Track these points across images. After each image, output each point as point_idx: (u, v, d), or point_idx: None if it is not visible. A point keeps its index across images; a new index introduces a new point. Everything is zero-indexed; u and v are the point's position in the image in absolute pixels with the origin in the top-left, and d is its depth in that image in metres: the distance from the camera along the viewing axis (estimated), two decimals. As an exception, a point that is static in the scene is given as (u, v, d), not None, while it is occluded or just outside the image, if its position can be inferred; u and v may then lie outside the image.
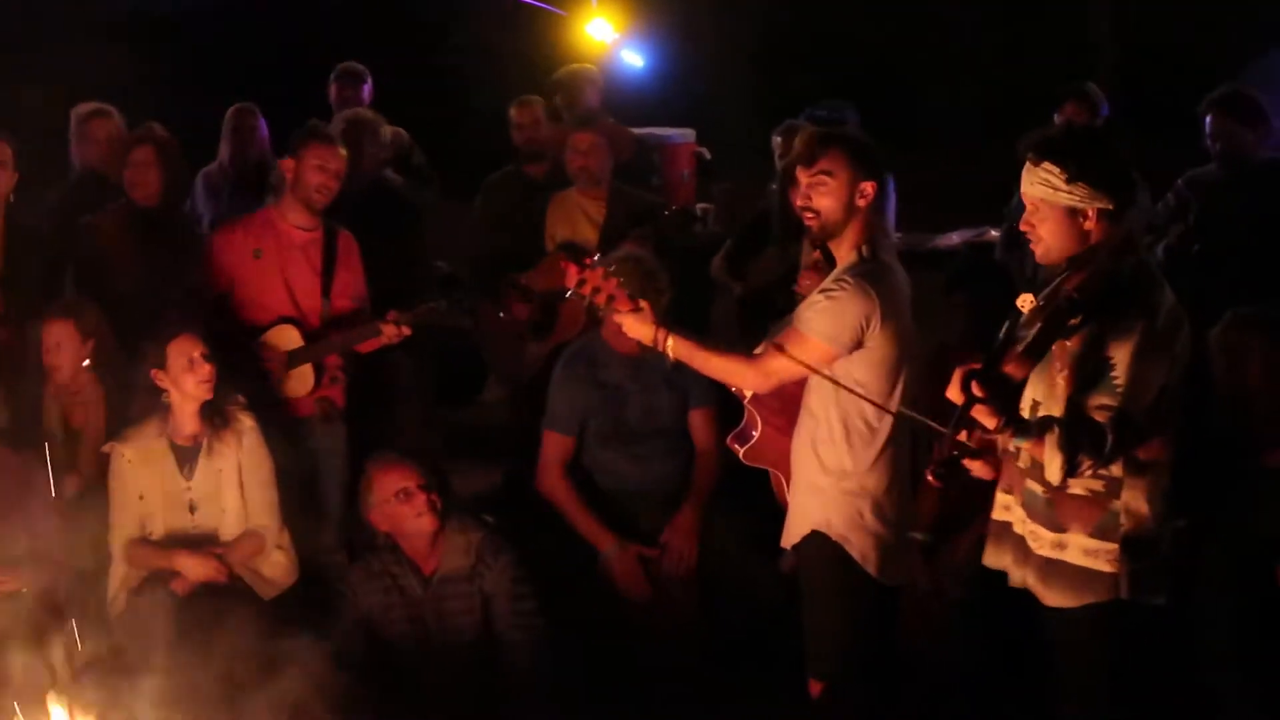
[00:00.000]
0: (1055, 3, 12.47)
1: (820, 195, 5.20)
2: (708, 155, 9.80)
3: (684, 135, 9.85)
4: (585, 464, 6.82)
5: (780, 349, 5.19)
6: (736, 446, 5.75)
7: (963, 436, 4.45)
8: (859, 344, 5.17)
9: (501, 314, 8.12)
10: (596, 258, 5.38)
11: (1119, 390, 4.52)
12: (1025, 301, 4.57)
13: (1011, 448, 4.73)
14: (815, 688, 5.43)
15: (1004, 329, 4.53)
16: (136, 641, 6.07)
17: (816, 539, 5.32)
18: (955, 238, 8.50)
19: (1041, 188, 4.63)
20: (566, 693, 6.18)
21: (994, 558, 4.95)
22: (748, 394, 5.58)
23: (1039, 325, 4.51)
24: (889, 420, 5.20)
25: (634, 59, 9.95)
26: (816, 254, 5.98)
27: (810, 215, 5.24)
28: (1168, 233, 7.91)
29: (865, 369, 5.19)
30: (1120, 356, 4.52)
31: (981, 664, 6.01)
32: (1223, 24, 12.01)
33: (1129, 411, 4.54)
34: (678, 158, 9.54)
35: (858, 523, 5.28)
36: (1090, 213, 4.61)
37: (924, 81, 12.35)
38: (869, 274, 5.18)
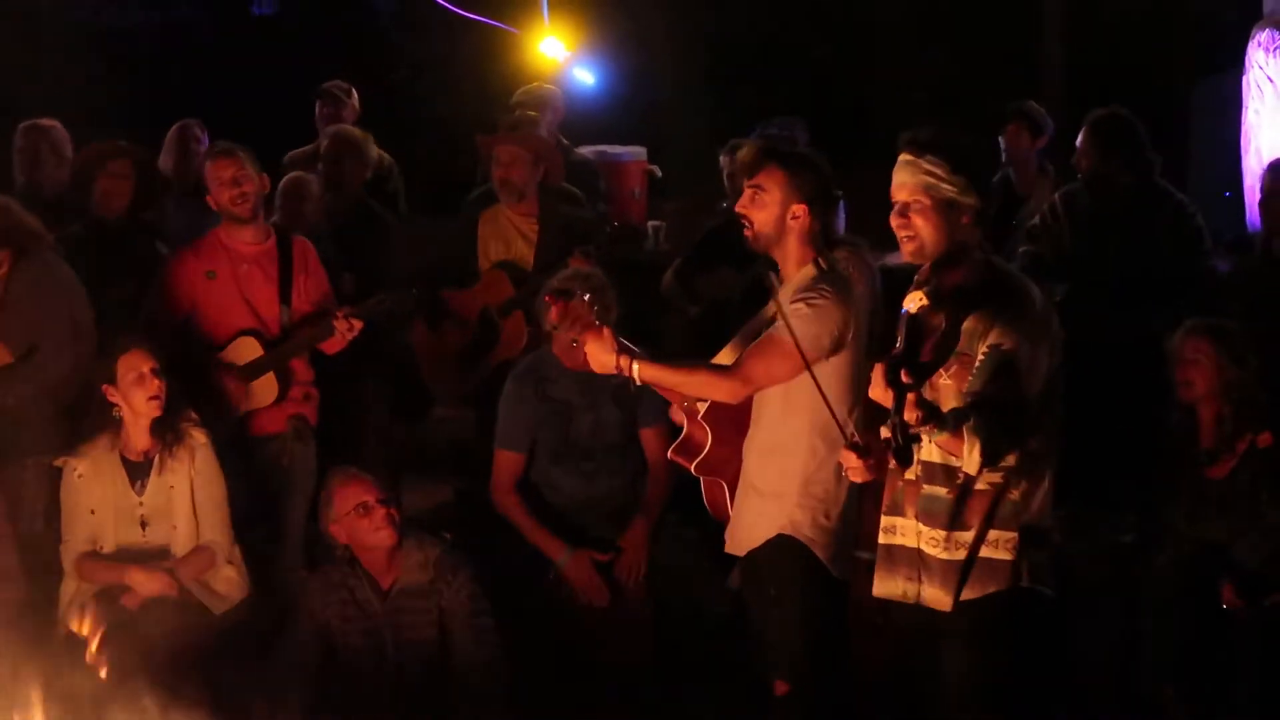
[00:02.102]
0: (1007, 20, 12.55)
1: (753, 208, 5.37)
2: (658, 173, 9.85)
3: (635, 153, 9.90)
4: (534, 479, 6.83)
5: (760, 356, 5.28)
6: (682, 460, 5.79)
7: (909, 418, 4.51)
8: (838, 350, 5.29)
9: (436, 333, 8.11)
10: (588, 295, 5.42)
11: (1015, 378, 4.60)
12: (914, 300, 4.64)
13: (932, 442, 4.74)
14: (781, 688, 5.49)
15: (902, 327, 4.59)
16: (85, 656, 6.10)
17: (781, 542, 5.40)
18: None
19: (926, 178, 4.70)
20: (522, 708, 6.23)
21: (883, 586, 4.98)
22: (700, 408, 5.62)
23: (943, 318, 4.62)
24: (852, 425, 5.27)
25: (585, 77, 9.98)
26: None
27: (746, 224, 5.40)
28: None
29: (833, 376, 5.29)
30: (1011, 344, 4.61)
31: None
32: (1175, 45, 12.15)
33: (1026, 397, 4.63)
34: (628, 176, 9.59)
35: (823, 525, 5.40)
36: (965, 206, 4.70)
37: (874, 98, 12.42)
38: (834, 282, 5.34)
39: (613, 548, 6.73)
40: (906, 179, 4.75)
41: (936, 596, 4.83)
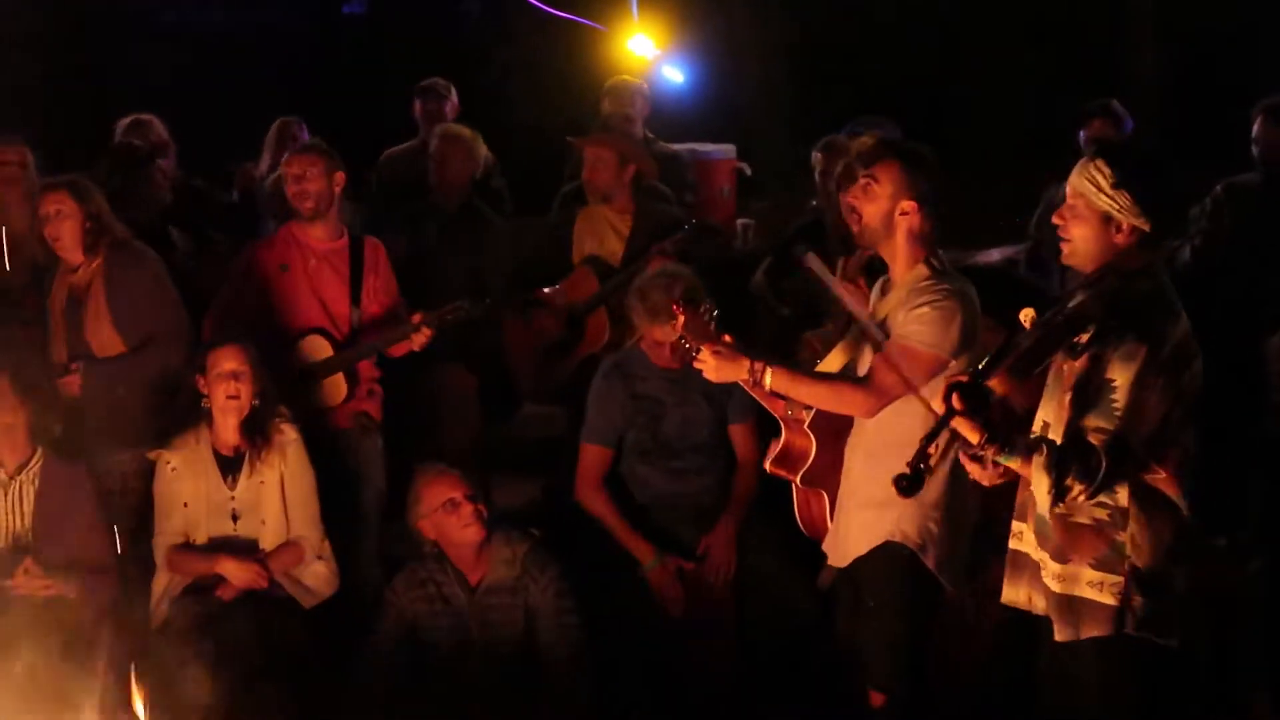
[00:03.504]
0: (1096, 21, 12.44)
1: (864, 199, 5.29)
2: (748, 171, 9.81)
3: (724, 151, 9.87)
4: (622, 476, 6.84)
5: (889, 366, 5.20)
6: (783, 471, 5.73)
7: (933, 450, 4.44)
8: (968, 348, 5.21)
9: (526, 326, 8.13)
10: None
11: (1117, 414, 4.47)
12: (1025, 316, 4.54)
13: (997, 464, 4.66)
14: (877, 699, 5.44)
15: (1000, 344, 4.49)
16: (178, 649, 6.16)
17: (890, 550, 5.33)
18: (995, 254, 8.50)
19: (1086, 184, 4.59)
20: (605, 706, 6.23)
21: (1011, 591, 4.89)
22: (806, 417, 5.56)
23: (1029, 343, 4.46)
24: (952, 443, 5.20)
25: (675, 75, 9.95)
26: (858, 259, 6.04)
27: (855, 216, 5.35)
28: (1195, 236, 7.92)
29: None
30: (1121, 380, 4.46)
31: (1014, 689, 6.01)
32: (1263, 46, 11.99)
33: (1125, 437, 4.48)
34: (718, 173, 9.56)
35: (932, 533, 5.31)
36: (1125, 226, 4.56)
37: (960, 98, 12.34)
38: (956, 281, 5.27)
39: (696, 557, 6.71)
40: (1073, 178, 4.64)
41: (1046, 609, 4.77)
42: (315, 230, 7.10)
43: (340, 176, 7.11)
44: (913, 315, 5.21)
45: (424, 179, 8.62)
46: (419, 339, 6.92)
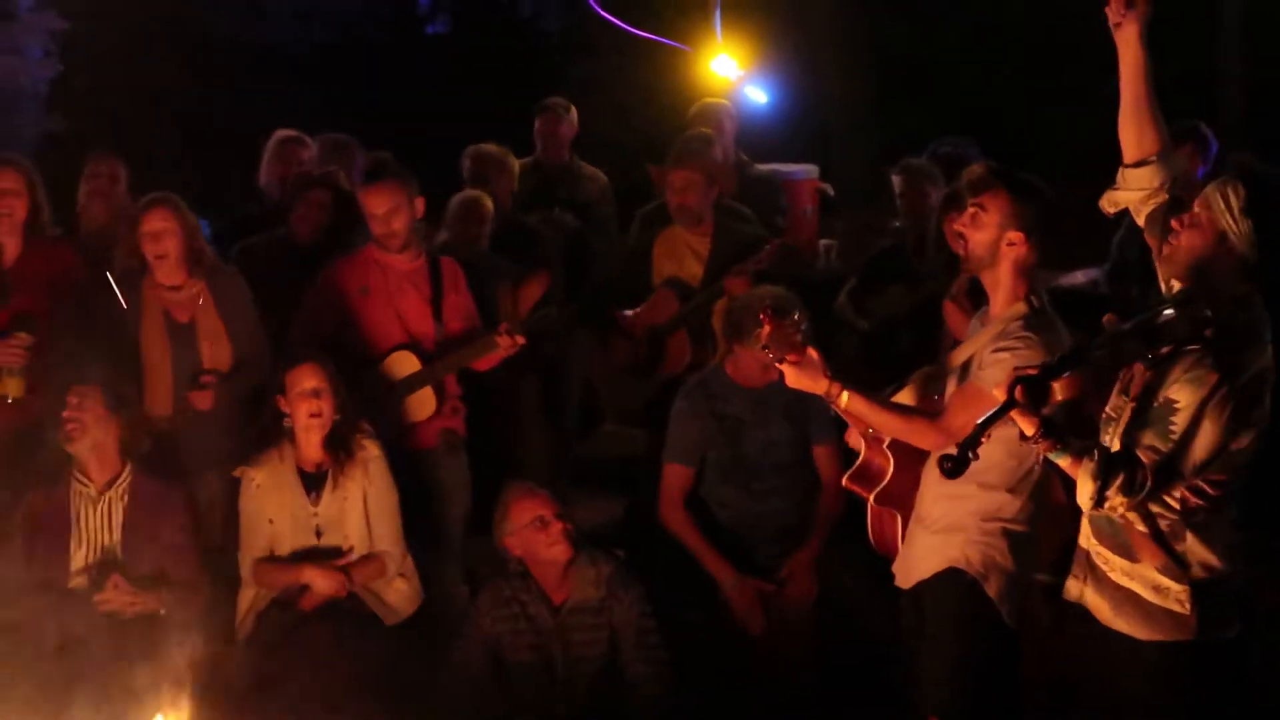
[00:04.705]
0: (1179, 38, 12.36)
1: (971, 228, 5.24)
2: (830, 191, 9.79)
3: (807, 171, 9.85)
4: (703, 496, 6.84)
5: (964, 407, 5.20)
6: (859, 488, 5.73)
7: (985, 438, 4.45)
8: None
9: (607, 348, 8.16)
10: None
11: (1172, 437, 4.47)
12: (1110, 323, 4.54)
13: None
14: (935, 726, 5.43)
15: (1076, 343, 4.50)
16: (262, 663, 6.21)
17: (952, 576, 5.31)
18: (1079, 276, 8.45)
19: (1218, 199, 4.55)
20: (688, 726, 6.25)
21: (1071, 585, 4.91)
22: (886, 437, 5.56)
23: (1105, 351, 4.45)
24: (1037, 464, 5.20)
25: (758, 95, 9.95)
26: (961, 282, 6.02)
27: (960, 241, 5.29)
28: None
29: None
30: (1185, 404, 4.46)
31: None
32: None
33: (1175, 461, 4.48)
34: (801, 194, 9.54)
35: (996, 562, 5.28)
36: (1234, 252, 4.54)
37: (1041, 119, 12.29)
38: (1044, 327, 5.19)
39: (776, 578, 6.71)
40: (1208, 189, 4.60)
41: (1096, 604, 4.76)
42: (395, 254, 7.13)
43: (420, 202, 7.15)
44: (993, 358, 5.18)
45: (539, 196, 8.63)
46: (507, 345, 6.95)
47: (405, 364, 7.08)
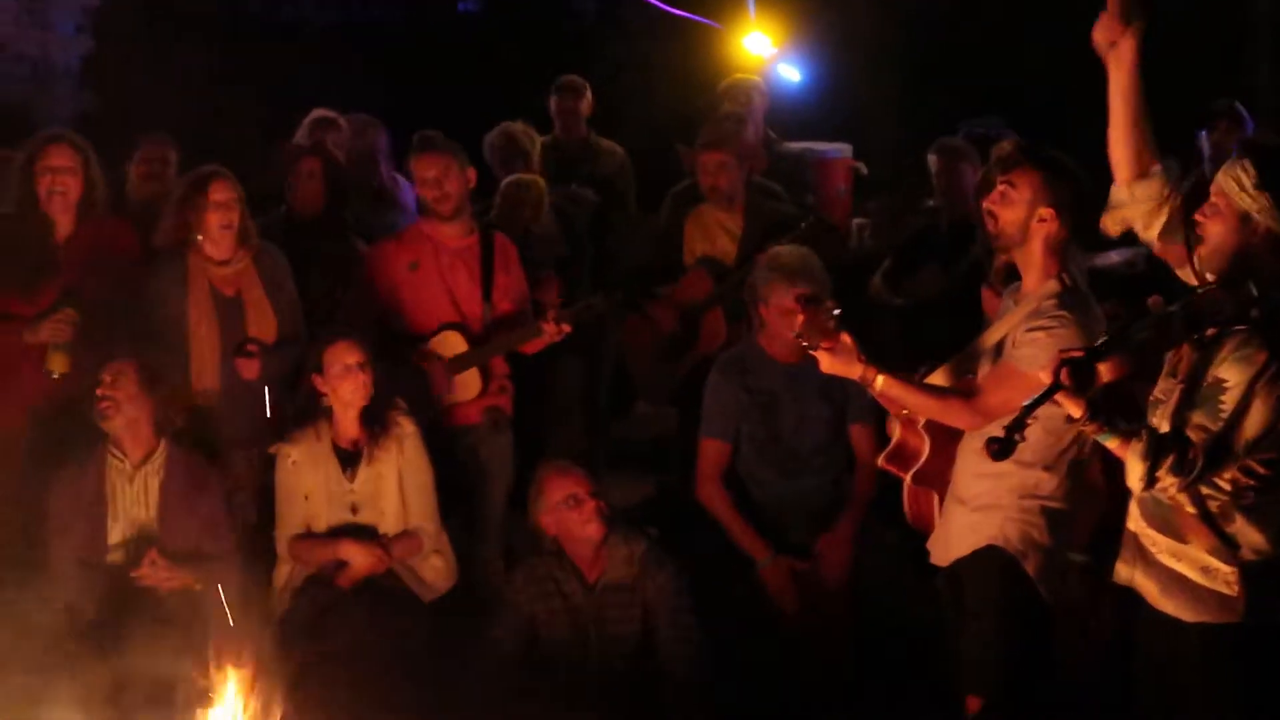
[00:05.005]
0: (1214, 24, 12.28)
1: (1002, 205, 5.24)
2: (864, 170, 9.78)
3: (840, 150, 9.84)
4: (739, 474, 6.83)
5: (999, 387, 5.20)
6: (895, 468, 5.73)
7: (1031, 420, 4.44)
8: None
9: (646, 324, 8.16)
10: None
11: (1222, 416, 4.44)
12: (1155, 304, 4.51)
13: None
14: (973, 704, 5.41)
15: (1121, 325, 4.50)
16: (299, 640, 6.23)
17: (991, 554, 5.31)
18: (1114, 256, 8.42)
19: (1230, 182, 4.52)
20: (722, 705, 6.23)
21: (1121, 569, 4.87)
22: (921, 417, 5.55)
23: (1150, 333, 4.45)
24: (1074, 442, 5.19)
25: (791, 73, 9.93)
26: (999, 268, 6.01)
27: (991, 219, 5.28)
28: None
29: None
30: (1234, 383, 4.43)
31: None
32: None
33: (1225, 440, 4.45)
34: (834, 173, 9.53)
35: (1034, 540, 5.28)
36: (1261, 229, 4.49)
37: (1075, 98, 12.22)
38: (1079, 305, 5.19)
39: (811, 558, 6.70)
40: (1219, 176, 4.57)
41: (1145, 586, 4.74)
42: (448, 227, 7.14)
43: (472, 172, 7.18)
44: (1027, 337, 5.18)
45: (559, 174, 8.67)
46: (552, 332, 6.95)
47: (452, 344, 7.09)
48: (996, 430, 5.08)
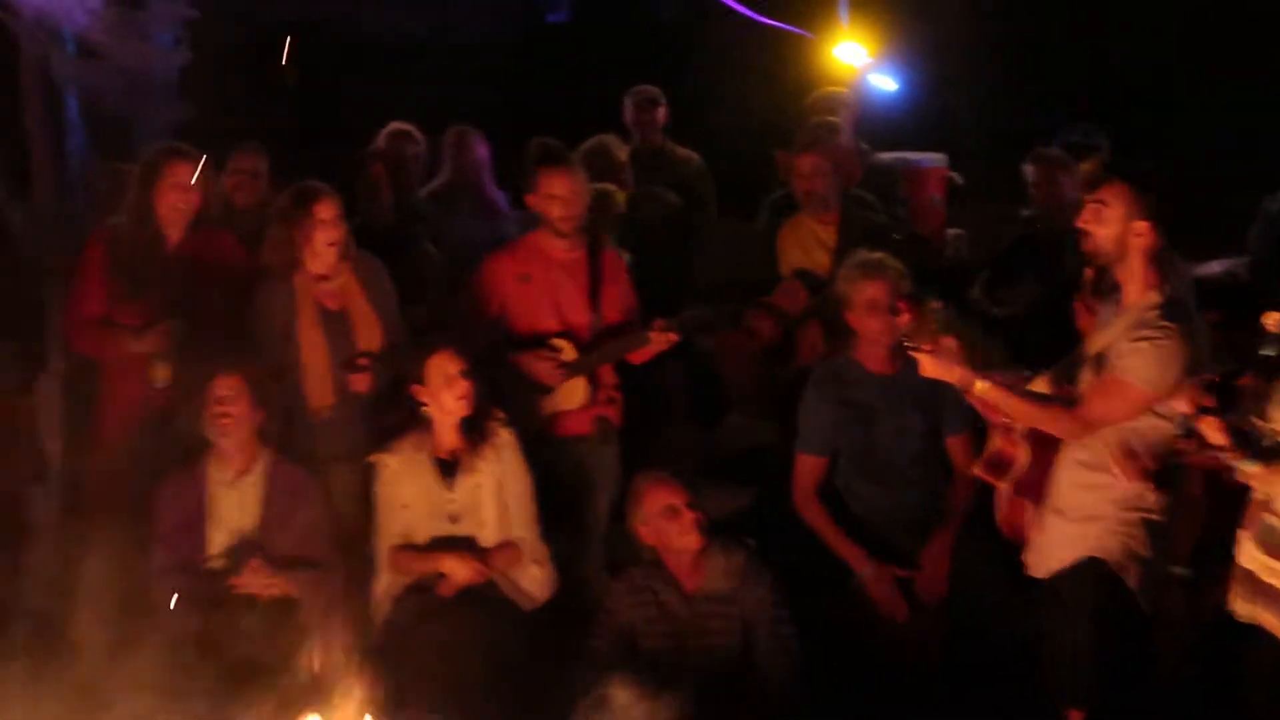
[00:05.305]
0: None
1: (1096, 223, 5.25)
2: (959, 180, 9.74)
3: (935, 160, 9.80)
4: (837, 487, 6.83)
5: (1102, 397, 5.17)
6: (991, 477, 5.72)
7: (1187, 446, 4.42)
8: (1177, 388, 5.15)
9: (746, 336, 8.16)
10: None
11: None
12: (1272, 320, 4.48)
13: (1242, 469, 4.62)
14: (1075, 717, 5.39)
15: (1262, 353, 4.49)
16: (398, 647, 6.26)
17: (1091, 566, 5.30)
18: (1216, 266, 8.37)
19: None
20: (818, 715, 6.22)
21: (1239, 606, 4.86)
22: (1020, 426, 5.54)
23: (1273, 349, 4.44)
24: (1173, 455, 5.17)
25: (885, 83, 9.89)
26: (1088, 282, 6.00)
27: (1086, 235, 5.30)
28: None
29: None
30: None
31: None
32: None
33: None
34: (928, 182, 9.49)
35: (1134, 552, 5.27)
36: None
37: (1174, 107, 12.11)
38: (1181, 316, 5.20)
39: (913, 563, 6.68)
40: None
41: (1272, 622, 4.69)
42: (561, 241, 7.17)
43: (589, 188, 7.23)
44: (1131, 348, 5.18)
45: (637, 182, 8.70)
46: (660, 341, 6.97)
47: (561, 353, 7.10)
48: (1096, 442, 5.09)
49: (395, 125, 8.99)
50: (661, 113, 9.79)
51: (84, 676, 5.73)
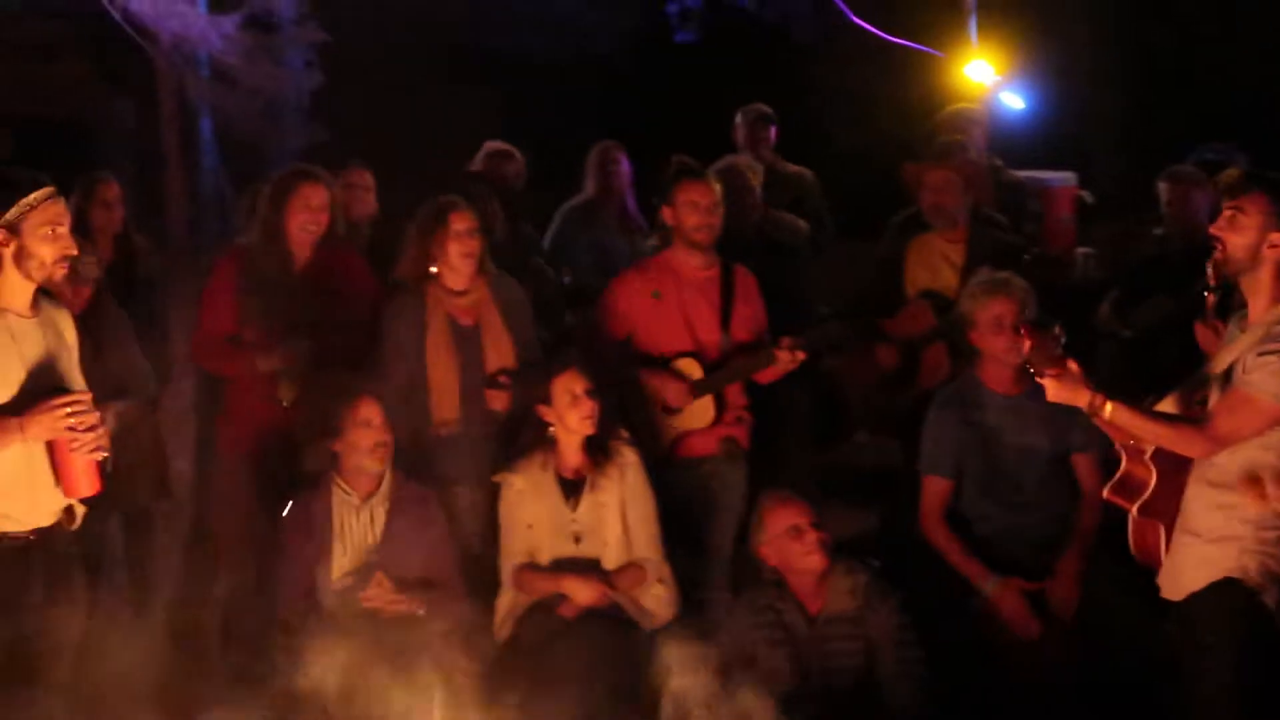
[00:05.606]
0: None
1: (1230, 231, 5.18)
2: (1089, 198, 9.66)
3: (1065, 178, 9.72)
4: (963, 510, 6.76)
5: (1230, 413, 5.11)
6: (1121, 500, 5.64)
7: None
8: None
9: (866, 359, 8.12)
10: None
11: None
12: None
13: None
14: (1212, 742, 5.31)
15: None
16: (522, 666, 6.27)
17: (1228, 587, 5.21)
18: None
19: None
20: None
21: None
22: (1148, 448, 5.47)
23: None
24: None
25: (1014, 101, 9.85)
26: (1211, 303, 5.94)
27: (1219, 245, 5.23)
28: None
29: None
30: None
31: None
32: None
33: None
34: (1058, 201, 9.42)
35: (1274, 572, 5.18)
36: None
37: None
38: None
39: (1041, 580, 6.60)
40: None
41: None
42: (694, 258, 7.17)
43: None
44: (1260, 361, 5.10)
45: None
46: (787, 360, 6.95)
47: (688, 372, 7.09)
48: (1225, 462, 5.02)
49: (492, 145, 9.03)
50: (773, 131, 9.77)
51: (214, 693, 5.78)
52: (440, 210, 7.00)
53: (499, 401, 6.92)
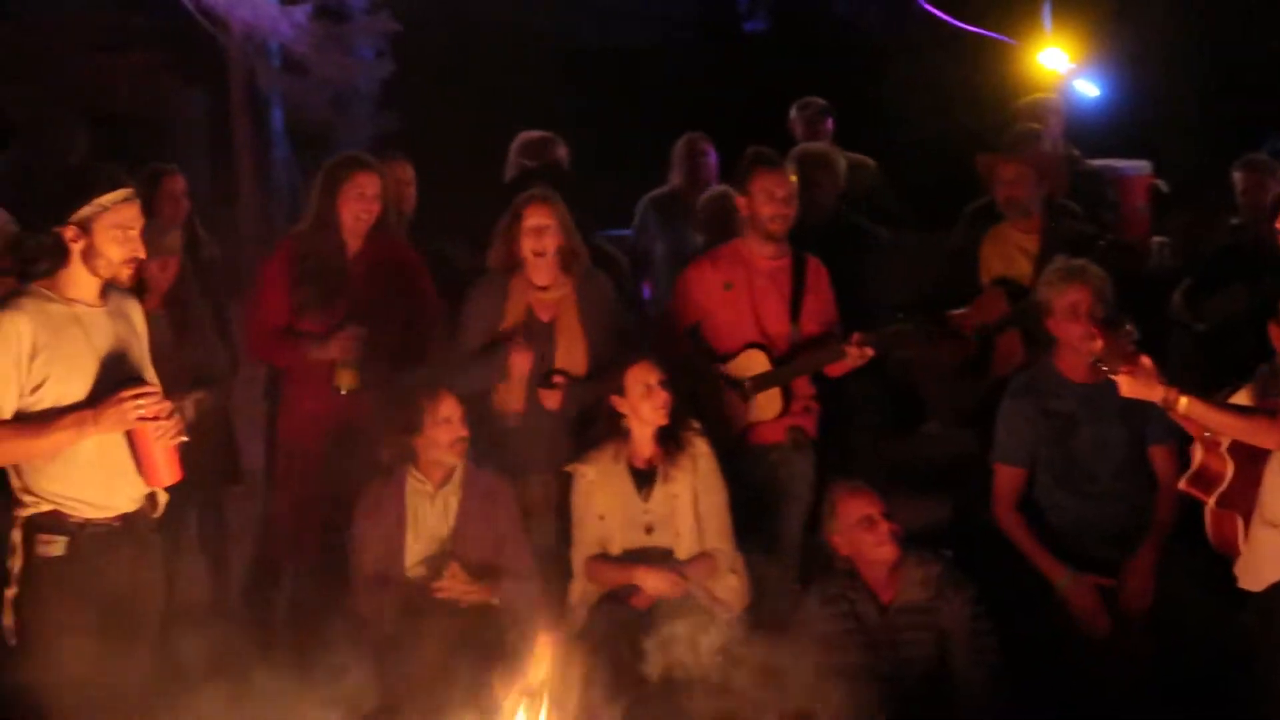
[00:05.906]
0: None
1: None
2: (1164, 187, 9.60)
3: (1139, 167, 9.69)
4: (1038, 500, 6.72)
5: None
6: (1198, 491, 5.62)
7: None
8: None
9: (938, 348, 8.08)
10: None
11: None
12: None
13: None
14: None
15: None
16: (594, 656, 6.27)
17: None
18: None
19: None
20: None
21: None
22: (1224, 440, 5.44)
23: None
24: None
25: (1089, 89, 9.79)
26: None
27: None
28: None
29: None
30: None
31: None
32: None
33: None
34: (1133, 190, 9.36)
35: None
36: None
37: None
38: None
39: (1115, 575, 6.56)
40: None
41: None
42: (766, 248, 7.16)
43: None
44: None
45: None
46: (855, 356, 6.93)
47: (755, 363, 7.09)
48: None
49: (531, 134, 8.97)
50: (830, 123, 9.74)
51: (281, 684, 5.80)
52: (517, 205, 7.01)
53: (550, 400, 6.92)
